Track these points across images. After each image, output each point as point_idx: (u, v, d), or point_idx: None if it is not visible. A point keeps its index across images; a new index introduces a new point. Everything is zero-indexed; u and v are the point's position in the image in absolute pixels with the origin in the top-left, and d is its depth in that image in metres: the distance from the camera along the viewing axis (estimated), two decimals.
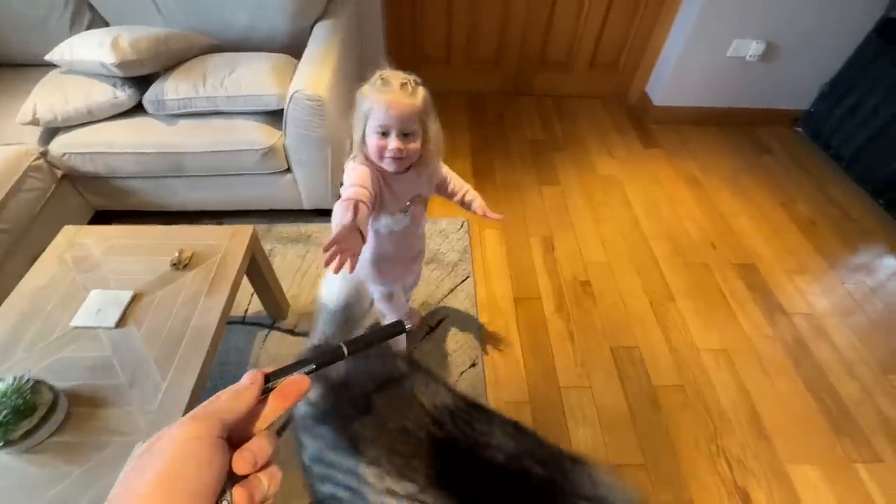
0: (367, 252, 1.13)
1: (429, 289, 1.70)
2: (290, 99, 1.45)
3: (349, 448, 0.70)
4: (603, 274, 1.80)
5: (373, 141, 0.90)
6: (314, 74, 1.52)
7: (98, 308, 1.06)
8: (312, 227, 1.89)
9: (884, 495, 1.28)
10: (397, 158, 0.91)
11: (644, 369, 1.52)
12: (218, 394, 0.30)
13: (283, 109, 1.53)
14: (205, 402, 0.29)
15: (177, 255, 1.17)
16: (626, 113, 2.66)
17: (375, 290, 1.26)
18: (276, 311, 1.56)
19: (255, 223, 1.89)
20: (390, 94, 0.86)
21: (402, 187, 1.01)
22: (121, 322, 1.05)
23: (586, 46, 2.53)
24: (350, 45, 1.89)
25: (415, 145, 0.91)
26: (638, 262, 1.85)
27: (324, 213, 1.88)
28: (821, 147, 2.42)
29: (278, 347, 1.52)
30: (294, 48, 1.77)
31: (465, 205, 1.17)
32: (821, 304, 1.73)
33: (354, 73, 1.93)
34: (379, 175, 0.96)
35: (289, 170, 1.69)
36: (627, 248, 1.90)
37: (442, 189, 1.15)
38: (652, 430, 1.38)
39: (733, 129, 2.55)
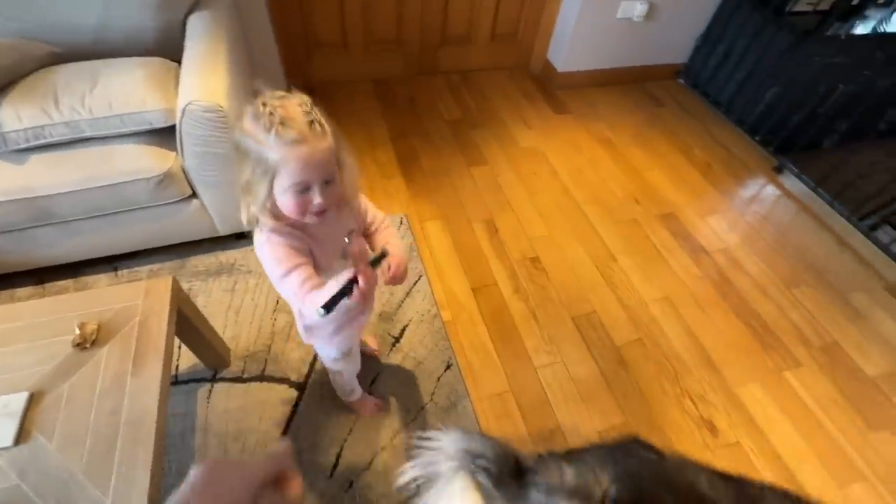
0: (325, 323, 0.97)
1: (384, 297, 1.59)
2: (183, 113, 1.21)
3: None
4: (548, 247, 1.83)
5: (289, 201, 0.73)
6: (206, 79, 1.28)
7: None
8: (234, 254, 1.66)
9: (808, 393, 1.51)
10: (322, 211, 0.75)
11: (605, 332, 1.59)
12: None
13: (173, 126, 1.27)
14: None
15: (77, 331, 0.93)
16: (531, 82, 2.69)
17: (333, 352, 1.09)
18: (216, 362, 1.35)
19: (160, 262, 1.62)
20: (305, 146, 0.68)
21: (326, 232, 0.84)
22: (21, 437, 0.81)
23: (485, 18, 2.49)
24: (237, 37, 1.63)
25: (338, 187, 0.77)
26: (577, 230, 1.91)
27: (245, 237, 1.65)
28: (701, 95, 2.69)
29: (228, 401, 1.32)
30: (166, 49, 1.48)
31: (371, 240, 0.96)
32: (731, 239, 1.95)
33: (248, 70, 1.68)
34: (300, 233, 0.80)
35: (194, 195, 1.44)
36: (564, 218, 1.95)
37: (363, 224, 0.94)
38: (625, 388, 1.46)
39: (629, 87, 2.72)
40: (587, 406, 1.41)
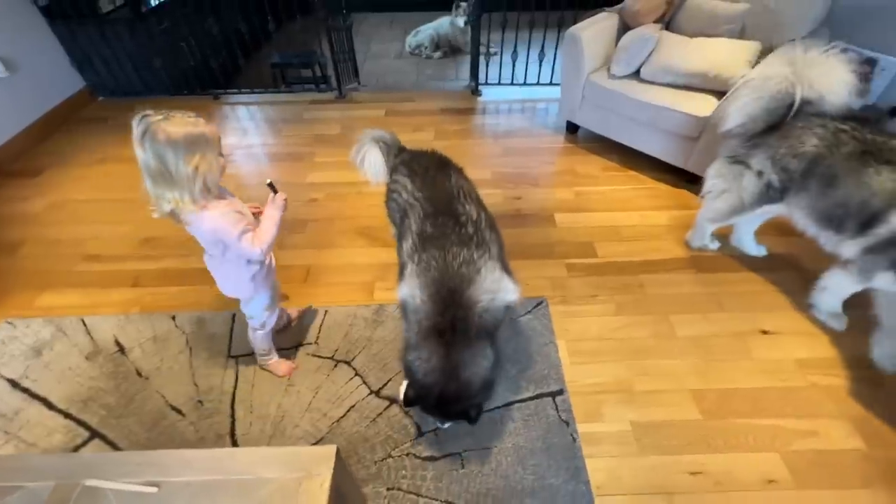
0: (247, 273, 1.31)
1: None
2: None
3: None
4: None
5: (220, 162, 1.10)
6: None
7: None
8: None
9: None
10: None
11: None
12: None
13: None
14: None
15: None
16: None
17: (265, 299, 1.41)
18: None
19: None
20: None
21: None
22: None
23: None
24: None
25: None
26: None
27: None
28: (121, 96, 3.25)
29: None
30: None
31: None
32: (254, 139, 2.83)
33: None
34: (229, 201, 1.19)
35: None
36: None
37: None
38: None
39: (71, 127, 2.98)
40: None
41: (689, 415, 1.45)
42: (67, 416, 1.49)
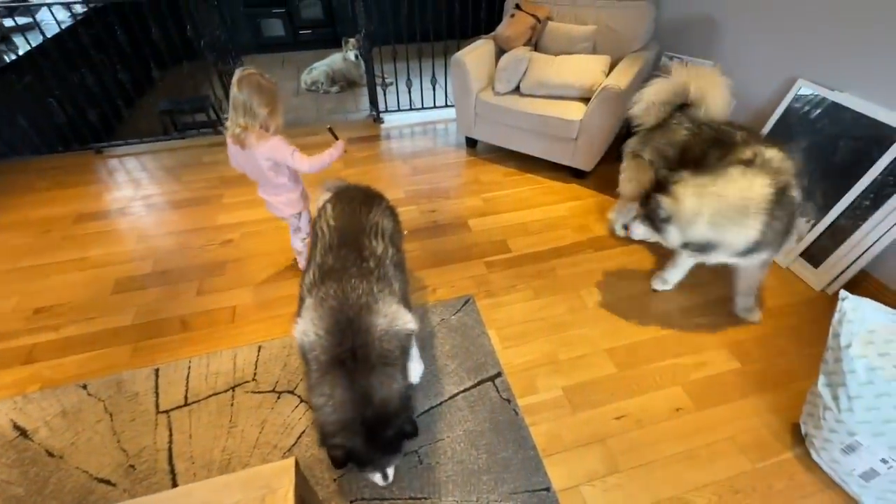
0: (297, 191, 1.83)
1: None
2: None
3: None
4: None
5: (281, 119, 1.60)
6: None
7: None
8: None
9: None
10: None
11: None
12: None
13: None
14: None
15: None
16: None
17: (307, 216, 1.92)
18: None
19: None
20: None
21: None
22: None
23: None
24: None
25: None
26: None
27: None
28: None
29: None
30: None
31: None
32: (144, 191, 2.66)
33: None
34: None
35: None
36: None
37: None
38: None
39: None
40: None
41: (607, 370, 1.67)
42: None
